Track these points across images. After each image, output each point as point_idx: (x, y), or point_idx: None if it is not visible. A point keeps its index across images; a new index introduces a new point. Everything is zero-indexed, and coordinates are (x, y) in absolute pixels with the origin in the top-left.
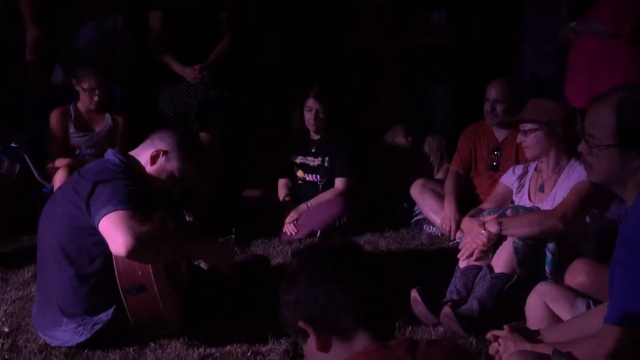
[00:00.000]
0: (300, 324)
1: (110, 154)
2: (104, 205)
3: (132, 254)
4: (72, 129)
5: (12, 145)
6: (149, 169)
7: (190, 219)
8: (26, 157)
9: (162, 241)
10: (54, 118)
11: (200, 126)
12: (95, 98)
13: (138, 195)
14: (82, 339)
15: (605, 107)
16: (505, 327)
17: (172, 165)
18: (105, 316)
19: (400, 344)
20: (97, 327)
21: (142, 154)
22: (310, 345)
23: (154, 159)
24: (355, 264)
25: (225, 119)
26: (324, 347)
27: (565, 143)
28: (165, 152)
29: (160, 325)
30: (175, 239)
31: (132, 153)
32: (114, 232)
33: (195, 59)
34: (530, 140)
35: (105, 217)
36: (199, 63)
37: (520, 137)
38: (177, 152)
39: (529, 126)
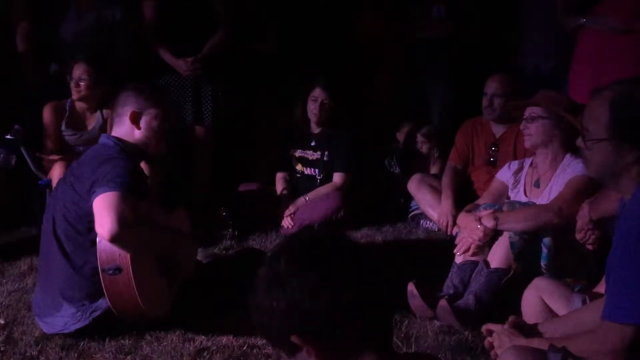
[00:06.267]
0: (294, 338)
1: (104, 138)
2: (101, 185)
3: (114, 239)
4: (63, 127)
5: (8, 137)
6: (137, 135)
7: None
8: (22, 149)
9: (143, 232)
10: (47, 112)
11: (194, 120)
12: (80, 89)
13: (134, 177)
14: (80, 325)
15: (600, 101)
16: (509, 319)
17: (151, 114)
18: (104, 303)
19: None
20: (96, 313)
21: (121, 128)
22: None
23: (135, 122)
24: (358, 261)
25: (219, 114)
26: None
27: (565, 138)
28: (138, 112)
29: (135, 310)
30: (154, 230)
31: (114, 134)
32: (104, 214)
33: (189, 51)
34: (534, 128)
35: (99, 197)
36: (193, 55)
37: (523, 125)
38: (144, 101)
39: (535, 112)
